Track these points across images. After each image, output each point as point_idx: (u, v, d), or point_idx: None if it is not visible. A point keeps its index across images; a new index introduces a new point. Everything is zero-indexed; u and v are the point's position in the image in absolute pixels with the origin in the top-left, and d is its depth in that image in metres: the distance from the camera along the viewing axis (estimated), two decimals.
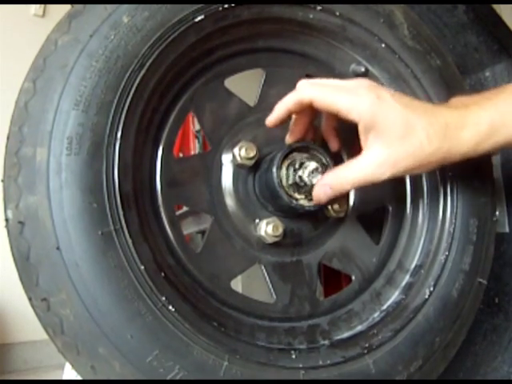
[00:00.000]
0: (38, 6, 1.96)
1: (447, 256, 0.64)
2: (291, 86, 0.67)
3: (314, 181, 0.57)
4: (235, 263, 0.60)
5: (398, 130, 0.50)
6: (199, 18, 0.56)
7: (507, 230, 0.71)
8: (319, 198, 0.56)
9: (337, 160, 0.61)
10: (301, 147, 0.59)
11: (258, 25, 0.62)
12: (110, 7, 0.52)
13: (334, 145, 0.62)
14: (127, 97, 0.50)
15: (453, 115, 0.52)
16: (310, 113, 0.57)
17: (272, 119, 0.58)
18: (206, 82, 0.61)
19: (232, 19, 0.59)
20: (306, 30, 0.65)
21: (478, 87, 0.75)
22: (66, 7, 0.56)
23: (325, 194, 0.55)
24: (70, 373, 0.85)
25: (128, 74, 0.50)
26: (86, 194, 0.46)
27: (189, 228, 0.77)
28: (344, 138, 0.64)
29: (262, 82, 0.66)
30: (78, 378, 0.46)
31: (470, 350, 0.72)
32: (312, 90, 0.54)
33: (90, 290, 0.45)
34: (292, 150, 0.58)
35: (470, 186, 0.68)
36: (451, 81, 0.70)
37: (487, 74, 0.73)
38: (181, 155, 1.24)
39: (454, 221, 0.66)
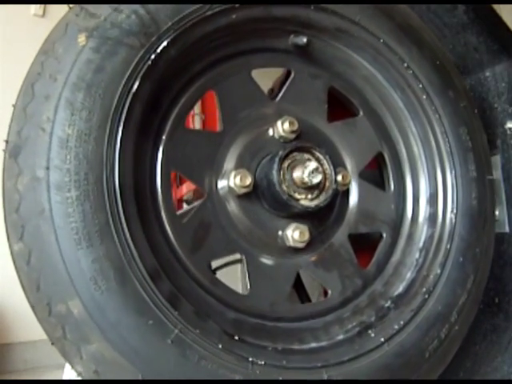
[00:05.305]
0: (38, 5, 1.90)
1: (455, 172, 0.67)
2: (245, 93, 0.65)
3: (315, 181, 0.58)
4: (283, 281, 0.62)
5: None
6: (136, 84, 0.51)
7: (507, 229, 0.73)
8: None
9: None
10: (300, 147, 0.58)
11: (188, 54, 0.58)
12: (46, 126, 0.48)
13: None
14: (118, 210, 0.48)
15: None
16: None
17: None
18: (170, 134, 0.58)
19: (163, 65, 0.55)
20: (235, 29, 0.60)
21: (478, 87, 0.74)
22: (66, 7, 0.53)
23: None
24: (69, 373, 0.85)
25: (105, 185, 0.48)
26: (138, 317, 0.46)
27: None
28: None
29: (218, 103, 0.63)
30: (78, 378, 0.47)
31: (470, 350, 0.74)
32: None
33: None
34: (284, 157, 0.58)
35: (446, 97, 0.69)
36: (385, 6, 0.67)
37: (487, 73, 0.70)
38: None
39: (446, 138, 0.68)
